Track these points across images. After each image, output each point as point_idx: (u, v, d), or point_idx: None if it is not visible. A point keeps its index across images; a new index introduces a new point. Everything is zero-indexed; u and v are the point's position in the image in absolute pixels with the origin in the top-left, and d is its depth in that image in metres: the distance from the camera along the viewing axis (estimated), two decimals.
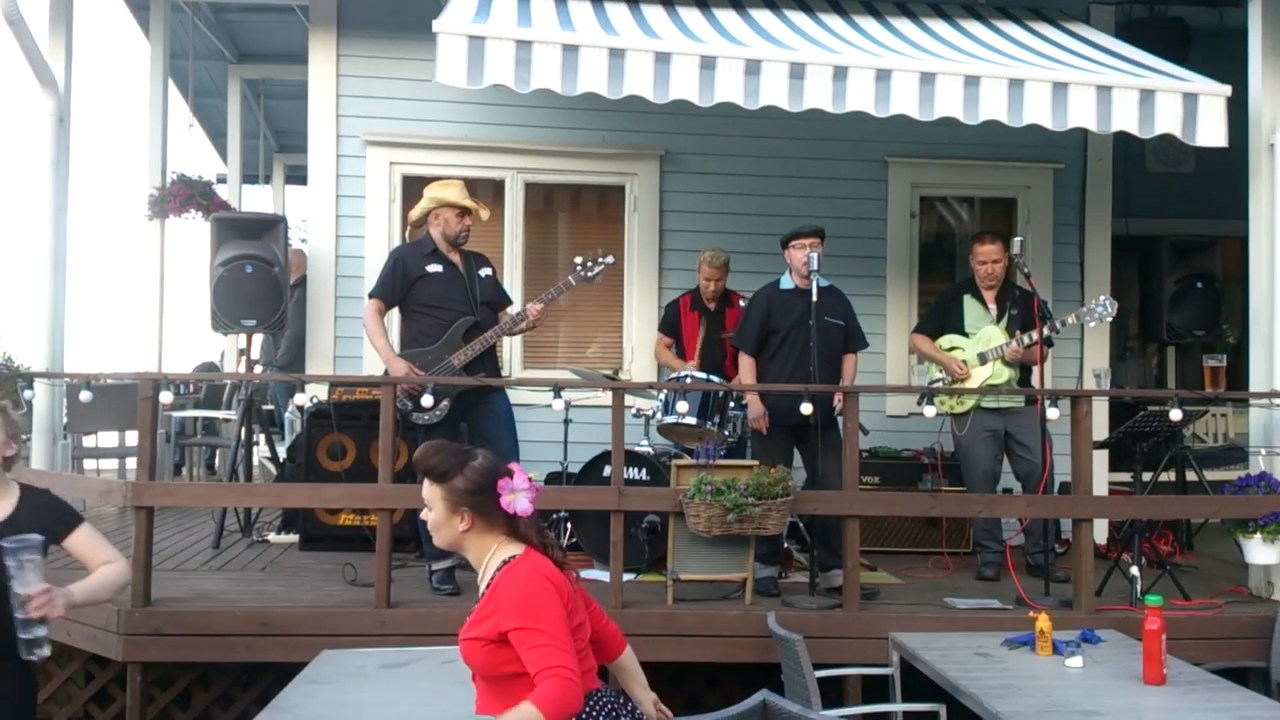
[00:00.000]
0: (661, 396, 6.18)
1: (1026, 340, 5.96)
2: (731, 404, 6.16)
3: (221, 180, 11.21)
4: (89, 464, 8.92)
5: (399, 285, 5.57)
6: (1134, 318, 8.91)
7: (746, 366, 5.98)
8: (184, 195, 8.16)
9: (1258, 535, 5.44)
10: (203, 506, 7.26)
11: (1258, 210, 5.88)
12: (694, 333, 6.83)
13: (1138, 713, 3.55)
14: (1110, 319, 5.96)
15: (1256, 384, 5.85)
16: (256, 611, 5.04)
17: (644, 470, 6.09)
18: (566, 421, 6.54)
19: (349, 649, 4.38)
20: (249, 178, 12.28)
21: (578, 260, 5.67)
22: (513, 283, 7.37)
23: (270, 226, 7.09)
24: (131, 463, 6.91)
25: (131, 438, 7.94)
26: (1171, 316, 7.79)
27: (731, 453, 6.24)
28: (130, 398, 5.65)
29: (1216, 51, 7.15)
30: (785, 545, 6.23)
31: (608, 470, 5.38)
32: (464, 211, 5.57)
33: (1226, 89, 5.63)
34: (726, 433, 6.14)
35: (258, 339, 7.88)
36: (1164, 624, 3.85)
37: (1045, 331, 5.80)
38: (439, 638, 4.79)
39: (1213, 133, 5.57)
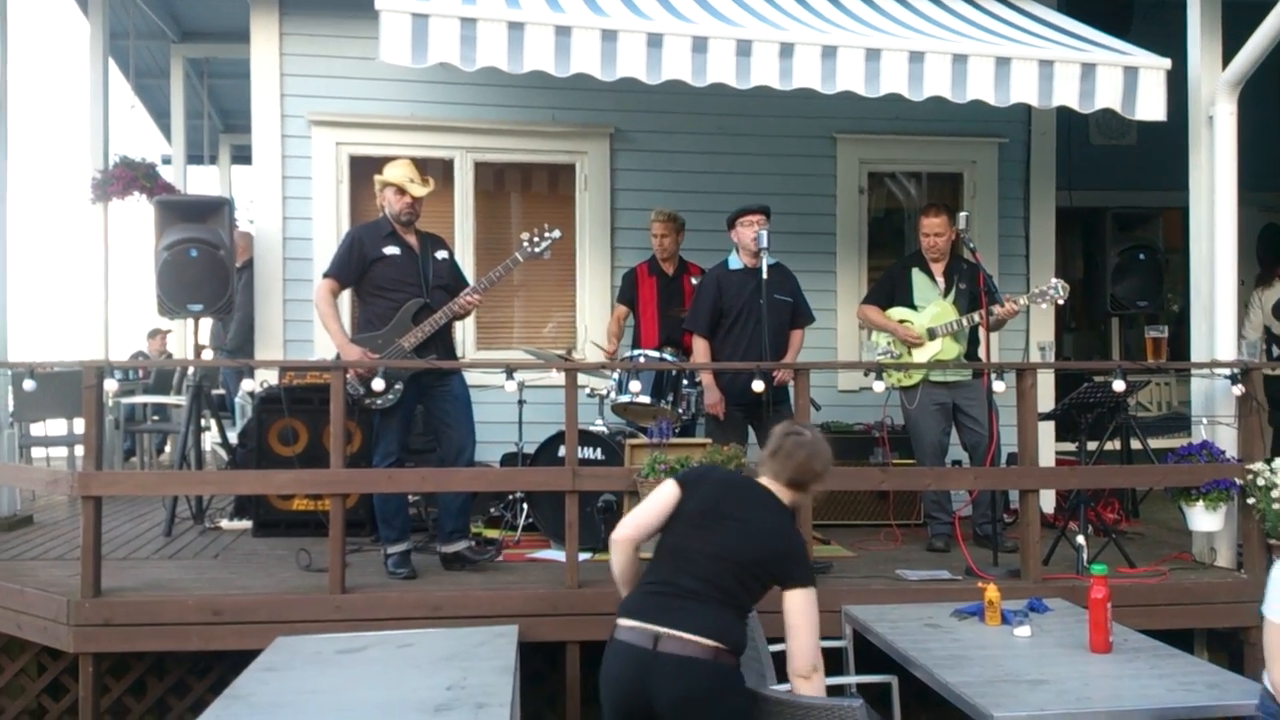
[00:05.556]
0: (616, 376, 6.20)
1: (1004, 308, 6.02)
2: (685, 382, 6.19)
3: (166, 161, 11.06)
4: (38, 452, 8.80)
5: (354, 267, 5.50)
6: (1078, 289, 9.04)
7: (701, 349, 6.01)
8: (127, 178, 8.04)
9: (1200, 503, 5.55)
10: (152, 495, 7.20)
11: (1197, 182, 5.97)
12: (651, 297, 6.84)
13: (1084, 680, 3.62)
14: (1062, 301, 6.03)
15: (1198, 354, 5.95)
16: (210, 599, 5.00)
17: (599, 450, 6.10)
18: (521, 402, 6.53)
19: (304, 635, 4.38)
20: (194, 158, 12.13)
21: (524, 236, 5.63)
22: (464, 263, 7.31)
23: (215, 209, 6.97)
24: (81, 450, 6.82)
25: (80, 425, 7.84)
26: (1115, 288, 7.88)
27: (685, 430, 6.28)
28: (76, 385, 5.55)
29: (1157, 24, 7.26)
30: None
31: (563, 450, 5.39)
32: (403, 190, 5.52)
33: (1166, 62, 5.69)
34: (680, 411, 6.16)
35: (205, 323, 7.79)
36: (1109, 592, 3.93)
37: (1020, 305, 6.03)
38: (395, 622, 4.81)
39: (1152, 106, 5.64)
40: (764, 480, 3.62)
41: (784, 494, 3.60)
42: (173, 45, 10.40)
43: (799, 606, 3.37)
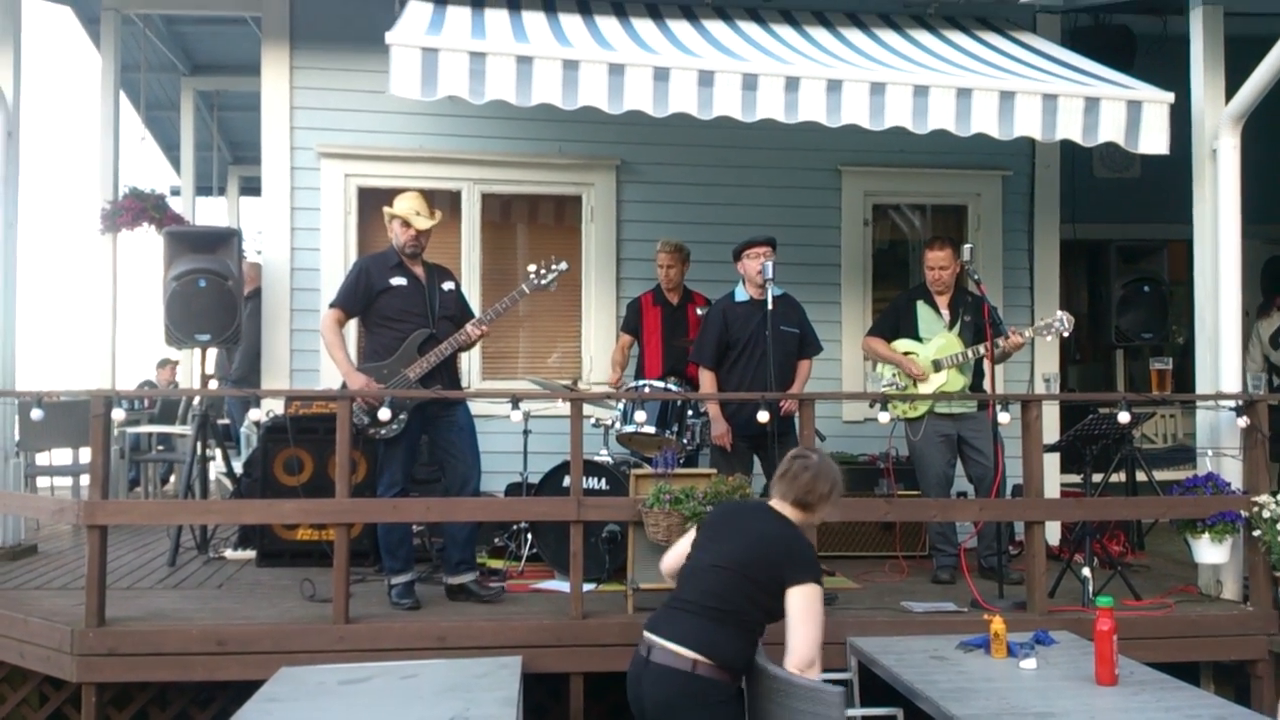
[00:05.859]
0: (620, 406, 6.21)
1: (1009, 340, 6.04)
2: (690, 413, 6.19)
3: (175, 193, 11.12)
4: (43, 481, 8.80)
5: (361, 297, 5.55)
6: (1083, 321, 9.03)
7: (708, 381, 6.02)
8: (136, 209, 8.08)
9: (1206, 535, 5.54)
10: (157, 525, 7.19)
11: (1201, 214, 5.99)
12: (655, 327, 6.86)
13: (1090, 713, 3.61)
14: (1067, 333, 6.05)
15: (1202, 386, 5.96)
16: (213, 629, 4.99)
17: (603, 480, 6.10)
18: (526, 432, 6.55)
19: (308, 665, 4.37)
20: (203, 190, 12.21)
21: (531, 268, 5.67)
22: (470, 294, 7.33)
23: (223, 240, 7.03)
24: (86, 480, 6.83)
25: (86, 455, 7.84)
26: (1120, 320, 7.89)
27: (690, 461, 6.28)
28: (83, 414, 5.58)
29: (1160, 58, 7.30)
30: None
31: (567, 480, 5.39)
32: (408, 222, 5.56)
33: (1170, 96, 5.71)
34: (685, 441, 6.17)
35: (212, 353, 7.81)
36: (1115, 624, 3.92)
37: (1025, 337, 6.03)
38: (399, 653, 4.80)
39: (1155, 140, 5.65)
40: (773, 501, 3.78)
41: (792, 514, 3.75)
42: (183, 78, 10.50)
43: (796, 602, 3.49)
